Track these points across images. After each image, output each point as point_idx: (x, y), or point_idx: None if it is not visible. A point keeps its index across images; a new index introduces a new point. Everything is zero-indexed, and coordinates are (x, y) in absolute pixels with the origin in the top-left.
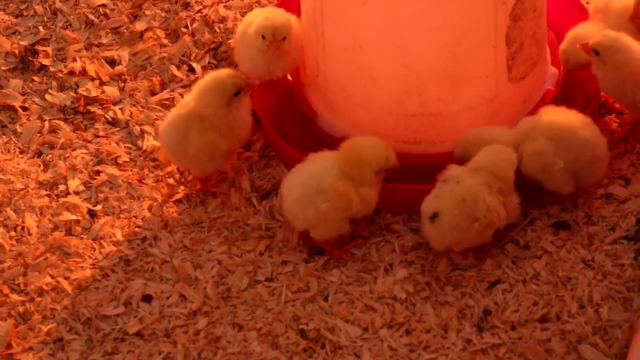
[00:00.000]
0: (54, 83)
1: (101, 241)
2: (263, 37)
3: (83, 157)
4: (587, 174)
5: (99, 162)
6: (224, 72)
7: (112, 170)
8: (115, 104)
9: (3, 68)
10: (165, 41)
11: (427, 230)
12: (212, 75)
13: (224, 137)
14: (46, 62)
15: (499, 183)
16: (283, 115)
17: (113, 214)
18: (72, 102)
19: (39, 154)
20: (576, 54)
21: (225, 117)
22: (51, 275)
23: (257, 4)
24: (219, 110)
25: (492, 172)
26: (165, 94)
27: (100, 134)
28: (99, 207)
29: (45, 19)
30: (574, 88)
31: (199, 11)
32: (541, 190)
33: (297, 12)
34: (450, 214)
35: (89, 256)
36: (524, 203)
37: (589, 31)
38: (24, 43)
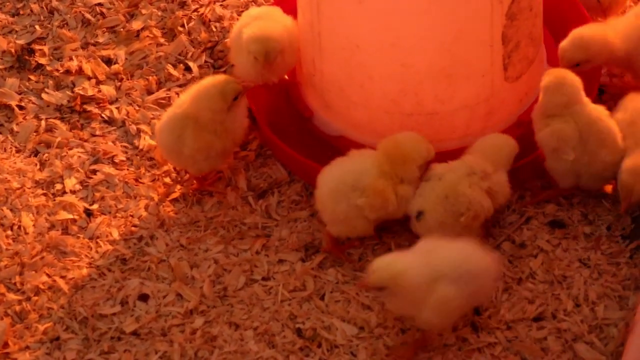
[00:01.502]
0: (51, 82)
1: (97, 240)
2: (256, 58)
3: (79, 156)
4: (591, 181)
5: (96, 161)
6: (222, 77)
7: (108, 169)
8: (111, 103)
9: None
10: (162, 40)
11: (415, 229)
12: (211, 81)
13: (219, 138)
14: (43, 61)
15: (482, 165)
16: (279, 114)
17: (109, 213)
18: (68, 101)
19: (36, 153)
20: (572, 52)
21: (223, 121)
22: (48, 275)
23: (253, 3)
24: (218, 115)
25: (482, 152)
26: (161, 93)
27: (97, 133)
28: (95, 206)
29: (42, 17)
30: None
31: (195, 10)
32: (539, 184)
33: (293, 11)
34: (434, 212)
35: (86, 255)
36: (520, 202)
37: (594, 32)
38: (21, 42)
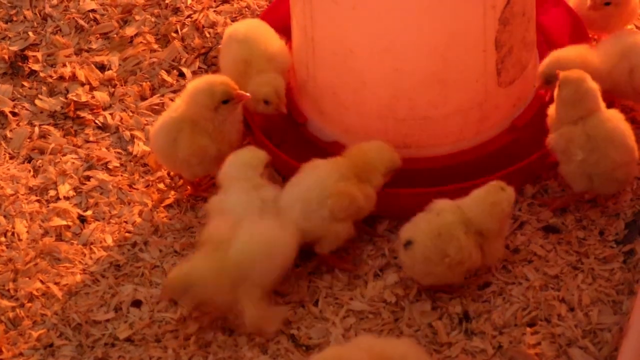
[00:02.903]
0: (44, 88)
1: (91, 246)
2: (266, 102)
3: (73, 163)
4: (603, 183)
5: (89, 168)
6: (217, 78)
7: (102, 175)
8: (105, 109)
9: None
10: (155, 46)
11: (400, 255)
12: (205, 78)
13: (213, 141)
14: (36, 67)
15: (479, 225)
16: (273, 120)
17: (103, 219)
18: (62, 107)
19: (29, 159)
20: (550, 72)
21: (212, 120)
22: (41, 281)
23: (246, 9)
24: (206, 112)
25: (470, 218)
26: (155, 99)
27: (91, 139)
28: (89, 213)
29: (35, 24)
30: None
31: (189, 16)
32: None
33: (287, 17)
34: (423, 245)
35: (79, 261)
36: (514, 206)
37: (572, 53)
38: (14, 48)
